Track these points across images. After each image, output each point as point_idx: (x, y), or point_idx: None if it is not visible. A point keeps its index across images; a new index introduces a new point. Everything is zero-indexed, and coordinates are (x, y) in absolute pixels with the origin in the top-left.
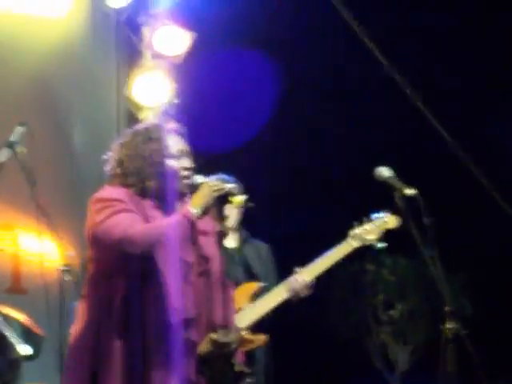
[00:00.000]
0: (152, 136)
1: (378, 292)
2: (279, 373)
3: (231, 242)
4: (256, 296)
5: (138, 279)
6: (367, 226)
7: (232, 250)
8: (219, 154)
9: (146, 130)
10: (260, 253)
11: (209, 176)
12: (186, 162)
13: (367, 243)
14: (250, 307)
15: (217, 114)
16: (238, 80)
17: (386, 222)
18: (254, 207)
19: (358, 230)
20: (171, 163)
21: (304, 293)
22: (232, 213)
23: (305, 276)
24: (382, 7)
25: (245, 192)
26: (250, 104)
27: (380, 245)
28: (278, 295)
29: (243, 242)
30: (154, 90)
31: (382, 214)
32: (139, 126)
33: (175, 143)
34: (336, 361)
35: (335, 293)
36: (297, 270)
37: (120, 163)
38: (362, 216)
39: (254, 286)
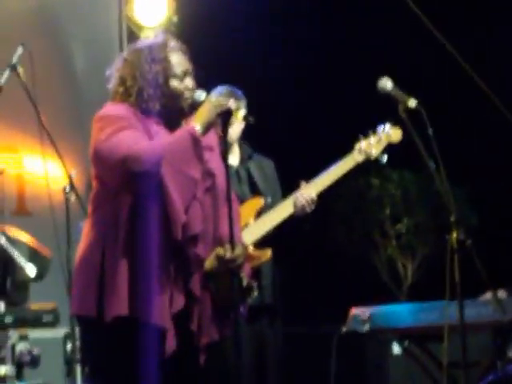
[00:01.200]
0: (155, 56)
1: (384, 206)
2: (285, 288)
3: (235, 158)
4: (261, 212)
5: (144, 196)
6: (372, 139)
7: (236, 166)
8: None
9: (150, 48)
10: (264, 169)
11: (215, 87)
12: (190, 82)
13: (372, 157)
14: (256, 223)
15: (217, 29)
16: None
17: (389, 135)
18: (255, 121)
19: (362, 144)
20: (175, 84)
21: (309, 207)
22: (234, 129)
23: (310, 190)
24: None
25: (249, 104)
26: (251, 16)
27: (384, 158)
28: (283, 210)
29: (247, 158)
30: (154, 9)
31: (386, 127)
32: (143, 43)
33: (179, 62)
34: (343, 276)
35: (341, 208)
36: (302, 184)
37: (122, 81)
38: (366, 129)
39: (259, 201)
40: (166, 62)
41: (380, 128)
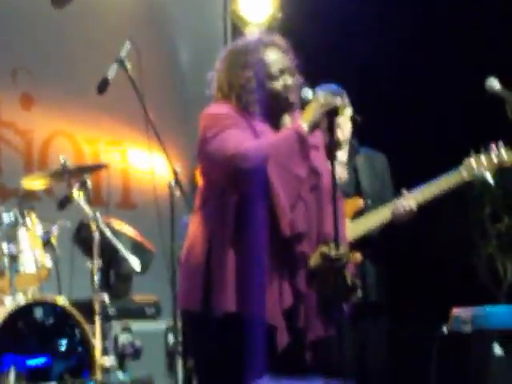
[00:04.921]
0: (249, 59)
1: (485, 206)
2: (388, 289)
3: (344, 154)
4: (359, 213)
5: (250, 193)
6: (483, 158)
7: (343, 163)
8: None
9: (245, 51)
10: (374, 164)
11: (318, 87)
12: (289, 80)
13: (479, 177)
14: (351, 224)
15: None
16: None
17: (502, 156)
18: (361, 120)
19: (472, 161)
20: (271, 85)
21: (407, 218)
22: (345, 125)
23: (411, 201)
24: None
25: (353, 102)
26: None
27: (491, 180)
28: (381, 216)
29: (354, 153)
30: (259, 5)
31: (499, 147)
32: (238, 44)
33: (275, 61)
34: (442, 277)
35: (441, 209)
36: (404, 192)
37: (221, 85)
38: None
39: (358, 202)
40: (260, 65)
41: (493, 147)
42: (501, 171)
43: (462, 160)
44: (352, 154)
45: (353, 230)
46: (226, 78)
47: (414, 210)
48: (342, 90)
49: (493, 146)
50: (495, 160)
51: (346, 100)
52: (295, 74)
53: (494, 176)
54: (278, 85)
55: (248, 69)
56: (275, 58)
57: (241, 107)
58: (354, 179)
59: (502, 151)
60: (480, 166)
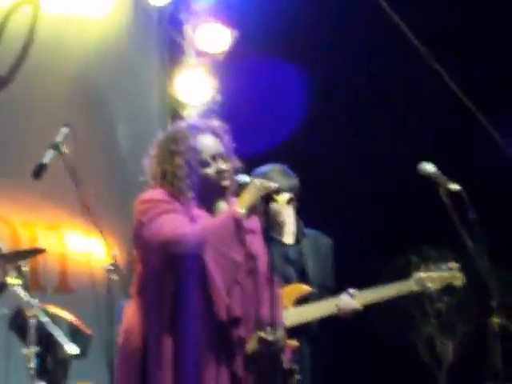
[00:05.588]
0: (179, 147)
1: None
2: (325, 369)
3: (289, 238)
4: (302, 300)
5: (186, 279)
6: (433, 274)
7: (288, 246)
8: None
9: (175, 138)
10: (319, 248)
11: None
12: (222, 165)
13: (427, 291)
14: (294, 310)
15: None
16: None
17: (453, 276)
18: (298, 205)
19: (422, 274)
20: (203, 171)
21: (351, 316)
22: (287, 211)
23: (356, 301)
24: None
25: (301, 184)
26: (287, 106)
27: (435, 294)
28: (326, 309)
29: (301, 236)
30: (196, 88)
31: (452, 267)
32: (170, 131)
33: (207, 147)
34: (382, 356)
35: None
36: (350, 291)
37: (154, 174)
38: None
39: (303, 288)
40: (191, 152)
41: (445, 265)
42: None
43: (412, 272)
44: (298, 237)
45: (295, 316)
46: (158, 166)
47: (360, 310)
48: (289, 170)
49: (447, 265)
50: (446, 280)
51: (294, 180)
52: (230, 158)
53: (441, 291)
54: (210, 171)
55: (178, 156)
56: (207, 143)
57: (175, 193)
58: (299, 263)
59: (454, 270)
60: (430, 281)
